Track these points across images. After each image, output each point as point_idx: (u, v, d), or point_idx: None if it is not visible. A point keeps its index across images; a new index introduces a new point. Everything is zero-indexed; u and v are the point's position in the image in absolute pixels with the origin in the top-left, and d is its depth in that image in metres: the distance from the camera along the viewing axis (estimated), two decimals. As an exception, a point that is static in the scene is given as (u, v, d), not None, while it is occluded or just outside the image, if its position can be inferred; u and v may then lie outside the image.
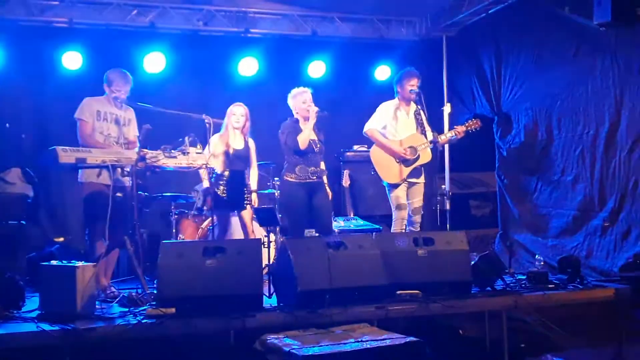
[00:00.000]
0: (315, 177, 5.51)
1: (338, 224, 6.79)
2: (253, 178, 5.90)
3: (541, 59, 6.46)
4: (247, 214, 5.73)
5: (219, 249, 4.40)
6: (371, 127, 5.90)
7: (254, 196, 5.83)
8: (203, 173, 5.57)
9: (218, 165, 5.61)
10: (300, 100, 5.57)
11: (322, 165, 5.68)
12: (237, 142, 5.80)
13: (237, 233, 6.03)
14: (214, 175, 5.56)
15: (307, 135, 5.43)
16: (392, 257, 4.72)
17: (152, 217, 6.88)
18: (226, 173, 5.64)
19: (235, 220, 5.99)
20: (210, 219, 6.02)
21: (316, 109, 5.48)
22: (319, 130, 5.67)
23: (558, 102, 6.26)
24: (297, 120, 5.58)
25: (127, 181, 4.94)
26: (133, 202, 4.75)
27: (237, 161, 5.73)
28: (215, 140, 5.67)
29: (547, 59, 6.37)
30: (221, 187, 5.60)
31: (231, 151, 5.69)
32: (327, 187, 5.68)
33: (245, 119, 5.81)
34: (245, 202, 5.70)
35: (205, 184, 5.63)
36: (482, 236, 7.78)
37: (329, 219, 5.69)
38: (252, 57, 7.55)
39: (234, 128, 5.78)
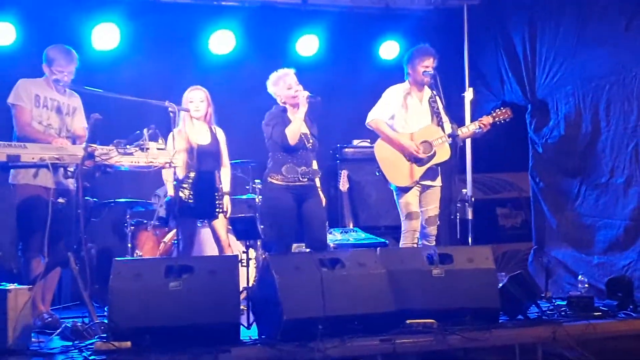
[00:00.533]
0: (306, 179, 5.52)
1: (334, 236, 6.80)
2: (225, 178, 5.89)
3: (585, 32, 6.47)
4: (220, 224, 5.72)
5: (185, 268, 4.38)
6: (376, 117, 5.91)
7: (226, 200, 5.82)
8: (167, 174, 5.56)
9: (179, 168, 5.59)
10: (283, 86, 5.57)
11: (315, 165, 5.68)
12: (201, 136, 5.78)
13: (208, 248, 6.03)
14: (175, 180, 5.55)
15: (297, 127, 5.44)
16: (401, 278, 4.71)
17: (103, 229, 6.88)
18: (191, 174, 5.63)
19: (206, 233, 5.97)
20: (174, 231, 6.01)
21: (307, 93, 5.49)
22: (311, 121, 5.67)
23: (607, 87, 6.27)
24: (285, 109, 5.59)
25: (72, 184, 4.93)
26: (79, 210, 4.73)
27: (204, 159, 5.71)
28: (175, 137, 5.61)
29: (593, 33, 6.39)
30: (186, 192, 5.59)
31: (193, 147, 5.67)
32: (320, 192, 5.69)
33: (207, 105, 5.80)
34: (217, 209, 5.69)
35: (170, 190, 5.61)
36: (512, 252, 7.81)
37: (322, 231, 5.70)
38: (227, 30, 7.56)
39: (195, 118, 5.76)
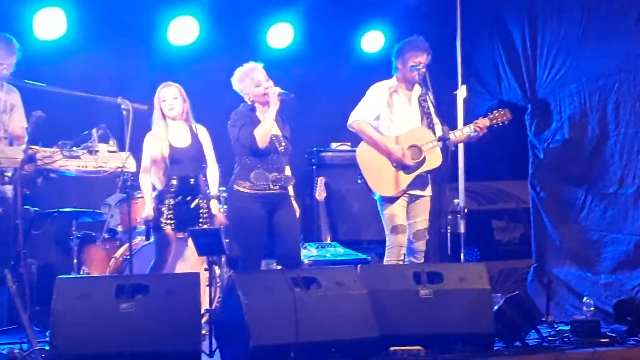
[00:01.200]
0: (277, 187, 5.52)
1: (309, 252, 6.79)
2: (212, 181, 5.86)
3: (592, 25, 6.53)
4: None
5: (139, 288, 4.37)
6: (358, 117, 5.92)
7: (213, 205, 5.79)
8: (146, 184, 5.54)
9: (158, 177, 5.57)
10: (251, 83, 5.55)
11: (288, 171, 5.68)
12: (180, 138, 5.77)
13: (189, 265, 5.97)
14: (156, 193, 5.52)
15: (267, 128, 5.43)
16: (385, 299, 4.72)
17: (45, 242, 6.82)
18: (174, 182, 5.64)
19: (181, 249, 5.94)
20: (126, 245, 5.97)
21: (278, 90, 5.49)
22: (283, 121, 5.67)
23: (616, 85, 6.32)
24: (253, 108, 5.58)
25: (9, 191, 4.88)
26: (17, 221, 4.68)
27: (184, 164, 5.70)
28: (148, 142, 5.65)
29: (601, 25, 6.44)
30: (166, 203, 5.62)
31: (171, 152, 5.65)
32: (293, 201, 5.69)
33: (182, 101, 5.79)
34: (200, 220, 5.70)
35: (149, 209, 5.59)
36: (509, 270, 7.85)
37: (295, 246, 5.69)
38: (190, 17, 7.53)
39: (170, 118, 5.75)
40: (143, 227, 6.24)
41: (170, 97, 5.75)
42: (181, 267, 6.06)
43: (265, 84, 5.52)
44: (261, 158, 5.48)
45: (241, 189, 5.48)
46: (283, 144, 5.56)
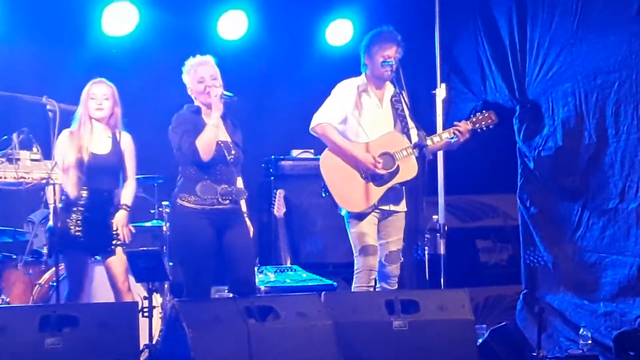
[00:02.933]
0: (227, 202, 5.49)
1: (266, 277, 6.79)
2: (126, 192, 5.84)
3: (588, 16, 6.59)
4: (117, 261, 5.68)
5: (67, 320, 4.35)
6: (322, 120, 5.95)
7: (120, 217, 5.73)
8: (51, 194, 5.50)
9: (70, 184, 5.52)
10: (194, 78, 5.55)
11: (240, 183, 5.69)
12: (99, 143, 5.75)
13: (101, 292, 5.95)
14: (62, 199, 5.47)
15: (210, 137, 5.39)
16: (353, 332, 4.74)
17: (-44, 266, 6.74)
18: (84, 194, 5.59)
19: (99, 273, 5.91)
20: (52, 270, 5.92)
21: (220, 90, 5.46)
22: (234, 126, 5.68)
23: (615, 84, 6.38)
24: (197, 110, 5.57)
25: None
26: None
27: (98, 174, 5.67)
28: (63, 141, 5.59)
29: (598, 16, 6.51)
30: (74, 217, 5.55)
31: (87, 158, 5.62)
32: (246, 218, 5.69)
33: (112, 103, 5.79)
34: (113, 241, 5.66)
35: (54, 219, 5.54)
36: (496, 297, 7.90)
37: (249, 269, 5.67)
38: (128, 3, 7.51)
39: (95, 119, 5.74)
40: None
41: (100, 95, 5.73)
42: (89, 299, 6.01)
43: (209, 82, 5.50)
44: (207, 169, 5.45)
45: (185, 204, 5.45)
46: (233, 152, 5.54)
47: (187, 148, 5.37)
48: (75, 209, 5.56)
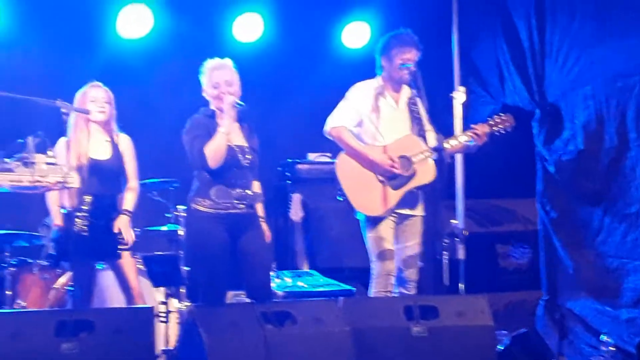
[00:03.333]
0: (242, 206, 5.48)
1: (283, 282, 6.79)
2: (129, 196, 5.83)
3: (609, 18, 6.58)
4: (127, 264, 5.70)
5: (83, 325, 4.35)
6: (337, 123, 5.94)
7: (123, 221, 5.73)
8: (53, 199, 5.48)
9: (68, 196, 5.49)
10: (209, 82, 5.54)
11: (256, 187, 5.67)
12: (99, 148, 5.74)
13: (112, 297, 5.95)
14: (64, 212, 5.46)
15: (220, 145, 5.35)
16: (371, 337, 4.73)
17: (-28, 271, 6.76)
18: (87, 199, 5.59)
19: (109, 278, 5.91)
20: (69, 274, 5.93)
21: (232, 98, 5.44)
22: (250, 130, 5.67)
23: (636, 88, 6.35)
24: (212, 114, 5.55)
25: None
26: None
27: (103, 179, 5.68)
28: (61, 150, 5.51)
29: (619, 18, 6.50)
30: (79, 223, 5.55)
31: (88, 164, 5.62)
32: (263, 223, 5.68)
33: (111, 107, 5.79)
34: (120, 245, 5.66)
35: (57, 220, 5.54)
36: (516, 303, 7.86)
37: (265, 274, 5.67)
38: (142, 4, 7.52)
39: (93, 122, 5.74)
40: None
41: (101, 98, 5.75)
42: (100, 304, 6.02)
43: (224, 87, 5.48)
44: (221, 174, 5.44)
45: (200, 208, 5.45)
46: (248, 156, 5.53)
47: (196, 154, 5.38)
48: (79, 214, 5.56)
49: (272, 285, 6.32)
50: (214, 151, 5.33)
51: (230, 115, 5.39)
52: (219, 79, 5.48)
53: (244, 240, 5.48)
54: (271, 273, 6.09)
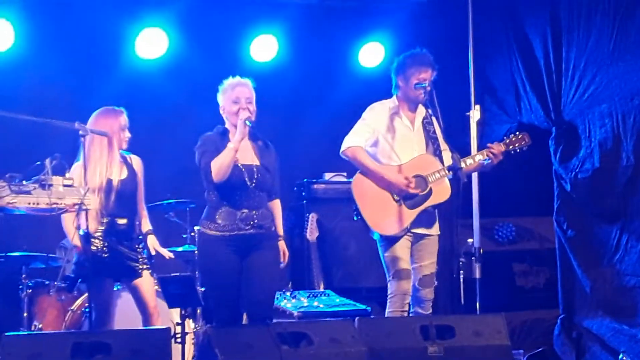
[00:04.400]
0: (249, 227, 5.42)
1: (299, 302, 6.78)
2: (145, 223, 5.91)
3: (625, 36, 6.57)
4: (145, 284, 5.73)
5: (99, 346, 4.35)
6: (353, 143, 5.95)
7: (152, 241, 5.80)
8: (69, 221, 5.49)
9: (92, 219, 5.52)
10: (229, 98, 5.52)
11: (276, 206, 5.67)
12: (116, 168, 5.76)
13: (128, 318, 5.97)
14: (79, 227, 5.48)
15: (226, 159, 5.30)
16: (387, 358, 4.71)
17: (-11, 292, 6.79)
18: (104, 220, 5.62)
19: (126, 299, 5.94)
20: (85, 296, 5.96)
21: (246, 114, 5.40)
22: (267, 149, 5.64)
23: (654, 106, 6.40)
24: (224, 132, 5.56)
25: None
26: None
27: (119, 200, 5.68)
28: (77, 172, 5.47)
29: (635, 36, 6.49)
30: (98, 243, 5.60)
31: (104, 184, 5.64)
32: (281, 243, 5.67)
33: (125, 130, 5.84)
34: (139, 265, 5.71)
35: (76, 241, 5.57)
36: (532, 322, 7.83)
37: (264, 293, 5.52)
38: (158, 29, 7.59)
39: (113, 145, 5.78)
40: None
41: (125, 125, 5.80)
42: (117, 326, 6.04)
43: (244, 104, 5.46)
44: (228, 194, 5.42)
45: (207, 232, 5.47)
46: (257, 176, 5.47)
47: (203, 167, 5.39)
48: (97, 235, 5.59)
49: (288, 306, 6.33)
50: (219, 166, 5.29)
51: (242, 132, 5.36)
52: (240, 94, 5.48)
53: (248, 261, 5.45)
54: (285, 295, 6.08)
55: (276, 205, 5.72)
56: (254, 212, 5.45)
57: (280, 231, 5.71)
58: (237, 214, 5.41)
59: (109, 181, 5.66)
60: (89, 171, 5.44)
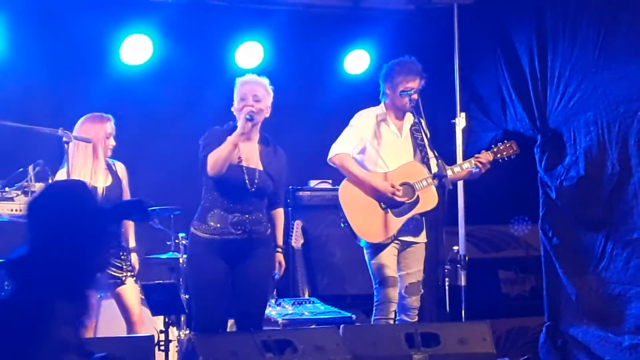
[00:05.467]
0: (240, 232, 5.33)
1: (283, 309, 6.77)
2: (132, 238, 5.91)
3: (611, 43, 6.61)
4: (129, 291, 5.71)
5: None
6: (340, 150, 5.95)
7: (134, 259, 5.84)
8: None
9: None
10: (238, 94, 5.42)
11: (278, 215, 5.62)
12: (100, 176, 5.77)
13: (113, 324, 5.94)
14: None
15: (223, 152, 5.20)
16: (372, 365, 4.71)
17: (-28, 300, 6.74)
18: None
19: (108, 306, 5.91)
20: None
21: (248, 109, 5.31)
22: (275, 155, 5.53)
23: (638, 113, 6.32)
24: (232, 129, 5.41)
25: None
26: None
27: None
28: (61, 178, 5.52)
29: (621, 43, 6.51)
30: None
31: (100, 192, 5.66)
32: (278, 253, 5.60)
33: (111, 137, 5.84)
34: (123, 271, 5.69)
35: None
36: (518, 330, 7.83)
37: (256, 305, 5.49)
38: (143, 35, 7.56)
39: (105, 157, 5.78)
40: None
41: (112, 132, 5.79)
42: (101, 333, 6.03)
43: (250, 101, 5.34)
44: (224, 195, 5.34)
45: (198, 233, 5.37)
46: (257, 181, 5.37)
47: (202, 160, 5.31)
48: None
49: (273, 313, 6.33)
50: (215, 158, 5.19)
51: (242, 126, 5.25)
52: (247, 91, 5.38)
53: (239, 269, 5.37)
54: (270, 302, 6.06)
55: (279, 215, 5.67)
56: (246, 216, 5.36)
57: (280, 241, 5.64)
58: (229, 217, 5.32)
59: (94, 188, 5.61)
60: (73, 178, 5.43)
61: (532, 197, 7.37)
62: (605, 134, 6.62)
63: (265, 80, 5.50)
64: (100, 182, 5.68)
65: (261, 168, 5.43)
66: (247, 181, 5.34)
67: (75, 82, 7.32)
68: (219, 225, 5.32)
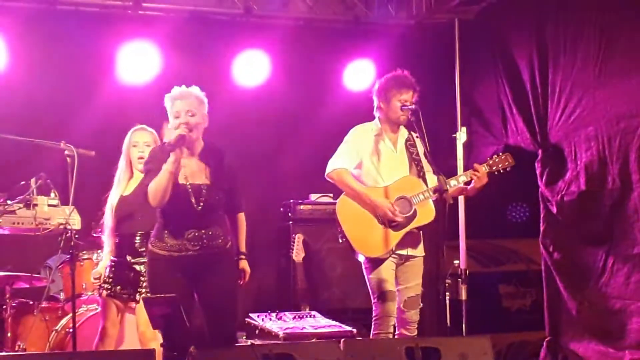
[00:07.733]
0: (197, 248, 5.10)
1: (284, 323, 6.77)
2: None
3: (610, 59, 6.63)
4: (142, 310, 5.70)
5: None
6: (338, 165, 5.94)
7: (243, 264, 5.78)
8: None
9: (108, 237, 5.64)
10: (171, 112, 5.11)
11: (239, 221, 5.48)
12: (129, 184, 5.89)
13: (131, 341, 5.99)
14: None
15: (161, 183, 4.92)
16: (372, 379, 4.72)
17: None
18: (115, 240, 5.75)
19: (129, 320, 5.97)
20: (69, 316, 5.95)
21: (180, 130, 4.98)
22: (218, 169, 5.20)
23: (639, 128, 6.40)
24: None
25: None
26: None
27: (133, 217, 5.77)
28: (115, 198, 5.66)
29: (620, 60, 6.54)
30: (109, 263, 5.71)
31: (116, 203, 5.75)
32: (243, 261, 5.51)
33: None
34: (139, 289, 5.77)
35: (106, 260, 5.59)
36: (519, 344, 7.84)
37: (226, 325, 5.29)
38: (145, 47, 7.62)
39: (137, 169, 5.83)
40: (90, 293, 6.29)
41: (142, 142, 5.87)
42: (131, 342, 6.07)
43: (185, 118, 5.02)
44: (173, 216, 5.14)
45: (155, 250, 5.16)
46: (204, 197, 5.09)
47: (143, 189, 5.07)
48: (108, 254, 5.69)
49: (274, 327, 6.33)
50: (154, 191, 4.94)
51: (181, 148, 4.96)
52: (180, 108, 5.05)
53: (201, 285, 5.19)
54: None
55: (240, 220, 5.51)
56: (202, 231, 5.14)
57: (243, 247, 5.51)
58: (185, 234, 5.11)
59: (120, 197, 5.77)
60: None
61: (533, 212, 7.39)
62: (606, 149, 6.65)
63: (195, 90, 5.18)
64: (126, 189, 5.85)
65: (208, 182, 5.14)
66: (192, 200, 5.10)
67: (77, 96, 7.35)
68: (175, 242, 5.12)
